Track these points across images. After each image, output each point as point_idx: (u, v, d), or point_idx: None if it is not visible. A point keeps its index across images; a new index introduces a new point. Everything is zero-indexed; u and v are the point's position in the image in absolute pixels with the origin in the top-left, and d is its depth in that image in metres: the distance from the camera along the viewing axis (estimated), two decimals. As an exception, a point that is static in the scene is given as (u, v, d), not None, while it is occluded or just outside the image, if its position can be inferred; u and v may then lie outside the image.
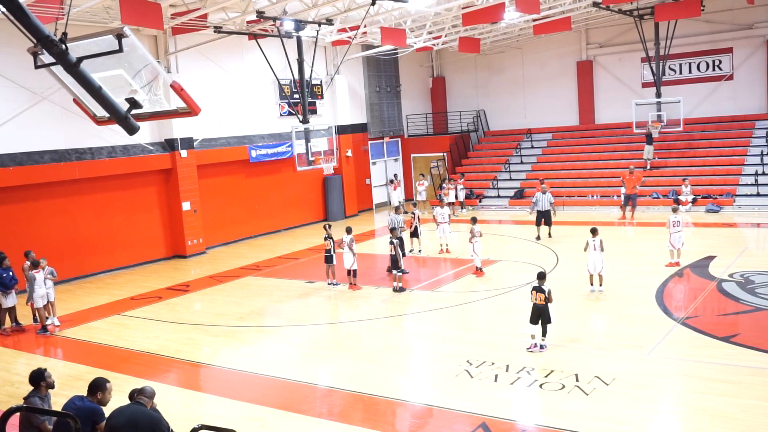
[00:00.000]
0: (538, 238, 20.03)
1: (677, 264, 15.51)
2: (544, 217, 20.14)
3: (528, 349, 10.66)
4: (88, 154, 18.75)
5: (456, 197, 26.32)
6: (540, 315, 10.68)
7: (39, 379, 7.07)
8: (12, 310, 14.06)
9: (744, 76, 26.38)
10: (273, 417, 9.03)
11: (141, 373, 10.92)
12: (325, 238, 16.12)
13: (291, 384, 10.22)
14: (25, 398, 7.04)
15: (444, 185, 26.05)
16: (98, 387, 6.72)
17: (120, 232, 19.71)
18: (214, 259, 20.70)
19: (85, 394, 6.74)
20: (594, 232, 13.93)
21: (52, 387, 7.21)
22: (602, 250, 13.69)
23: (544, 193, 20.61)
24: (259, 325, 13.74)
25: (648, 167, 25.55)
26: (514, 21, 24.06)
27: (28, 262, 14.02)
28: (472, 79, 32.47)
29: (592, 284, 13.90)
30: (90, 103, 5.98)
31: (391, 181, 28.18)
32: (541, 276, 10.88)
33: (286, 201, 25.05)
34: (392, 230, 15.59)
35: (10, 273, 13.98)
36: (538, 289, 10.73)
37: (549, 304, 10.71)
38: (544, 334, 10.75)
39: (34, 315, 14.12)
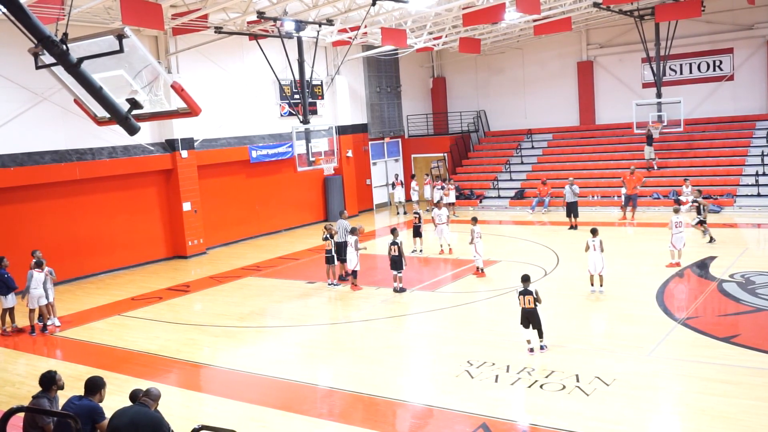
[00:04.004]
0: (572, 227, 21.12)
1: (678, 264, 15.51)
2: (571, 209, 21.28)
3: (529, 350, 10.65)
4: (89, 154, 18.76)
5: (432, 198, 26.55)
6: (530, 318, 10.63)
7: (51, 383, 7.09)
8: (11, 311, 14.06)
9: (744, 76, 26.38)
10: (273, 417, 9.04)
11: (141, 374, 10.92)
12: (325, 238, 16.12)
13: (291, 384, 10.22)
14: (34, 397, 7.06)
15: (444, 185, 26.06)
16: (98, 386, 6.73)
17: (120, 233, 19.72)
18: (215, 260, 20.71)
19: (82, 394, 6.74)
20: (594, 232, 13.93)
21: (61, 389, 7.22)
22: (602, 250, 13.69)
23: (571, 185, 21.31)
24: (259, 325, 13.74)
25: (655, 167, 25.53)
26: (515, 21, 24.06)
27: (34, 261, 14.01)
28: (472, 80, 32.48)
29: (592, 285, 13.90)
30: (90, 104, 5.98)
31: (393, 184, 28.31)
32: (526, 279, 10.82)
33: (287, 201, 25.06)
34: (393, 231, 15.59)
35: (6, 275, 13.94)
36: (525, 293, 10.67)
37: (538, 306, 10.67)
38: (540, 335, 10.73)
39: (39, 315, 14.05)
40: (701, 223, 18.14)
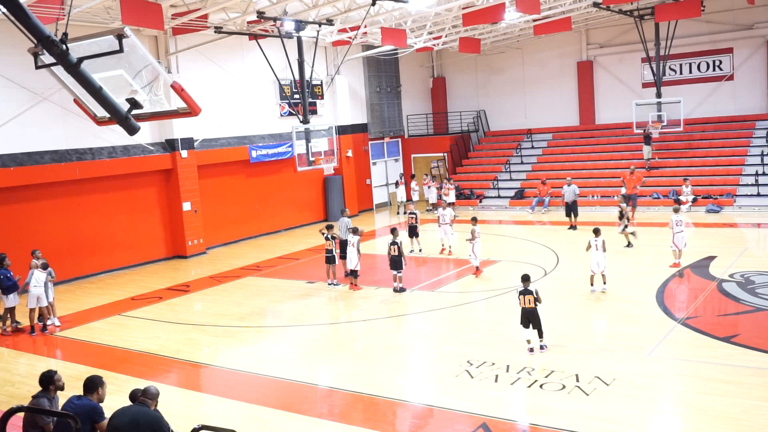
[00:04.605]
0: (571, 227, 21.14)
1: (679, 264, 15.48)
2: (570, 209, 21.37)
3: (529, 350, 10.64)
4: (89, 154, 18.76)
5: (428, 198, 26.71)
6: (530, 318, 10.64)
7: (48, 382, 7.06)
8: (12, 310, 14.06)
9: (744, 76, 26.39)
10: (273, 417, 9.03)
11: (141, 374, 10.92)
12: (326, 238, 16.12)
13: (291, 384, 10.22)
14: (34, 397, 7.04)
15: (444, 185, 26.06)
16: (96, 384, 6.70)
17: (120, 233, 19.72)
18: (215, 260, 20.70)
19: (81, 393, 6.72)
20: (596, 232, 13.91)
21: (61, 389, 7.17)
22: (604, 250, 13.67)
23: (569, 185, 21.44)
24: (259, 325, 13.75)
25: (647, 167, 25.57)
26: (515, 21, 24.06)
27: (39, 262, 13.98)
28: (472, 80, 32.48)
29: (592, 284, 13.88)
30: (90, 104, 5.98)
31: (396, 183, 28.36)
32: (526, 278, 10.82)
33: (287, 201, 25.06)
34: (393, 231, 15.60)
35: (9, 274, 13.96)
36: (525, 292, 10.66)
37: (538, 305, 10.67)
38: (540, 335, 10.73)
39: (39, 315, 14.04)
40: (625, 227, 17.98)
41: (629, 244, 17.78)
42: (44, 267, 13.88)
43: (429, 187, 27.09)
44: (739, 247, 17.66)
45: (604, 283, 13.80)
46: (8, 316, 14.03)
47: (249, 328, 13.46)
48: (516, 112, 31.43)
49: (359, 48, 26.66)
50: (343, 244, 16.29)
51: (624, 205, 18.44)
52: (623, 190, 22.97)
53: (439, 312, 13.66)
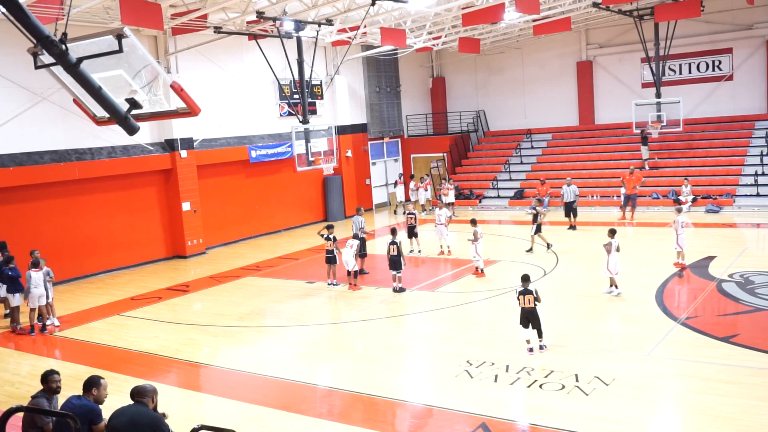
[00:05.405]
0: (571, 227, 21.13)
1: (683, 265, 15.42)
2: (569, 209, 21.39)
3: (528, 350, 10.64)
4: (88, 154, 18.76)
5: (418, 199, 26.85)
6: (530, 318, 10.63)
7: (43, 381, 7.03)
8: (14, 310, 14.06)
9: (744, 76, 26.39)
10: (273, 417, 9.03)
11: (141, 374, 10.91)
12: (327, 239, 16.11)
13: (291, 384, 10.22)
14: (33, 397, 7.01)
15: (442, 185, 26.05)
16: (93, 384, 6.67)
17: (120, 233, 19.72)
18: (214, 260, 20.70)
19: (81, 393, 6.71)
20: (612, 232, 13.83)
21: (55, 392, 7.04)
22: (618, 250, 13.63)
23: (568, 185, 21.50)
24: (259, 325, 13.74)
25: (646, 167, 25.58)
26: (514, 21, 24.06)
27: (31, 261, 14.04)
28: (472, 80, 32.48)
29: (614, 286, 13.66)
30: (90, 104, 5.98)
31: (396, 183, 28.37)
32: (526, 278, 10.80)
33: (286, 201, 25.06)
34: (392, 231, 15.59)
35: (12, 273, 13.98)
36: (524, 292, 10.65)
37: (538, 305, 10.66)
38: (540, 335, 10.73)
39: (38, 315, 14.04)
40: (538, 231, 18.15)
41: (531, 249, 18.20)
42: (35, 264, 13.85)
43: (417, 188, 27.10)
44: (738, 247, 17.67)
45: (615, 285, 13.73)
46: (18, 314, 14.04)
47: (249, 328, 13.46)
48: (515, 112, 31.43)
49: (359, 48, 26.65)
50: (362, 242, 16.38)
51: (540, 208, 18.58)
52: (623, 190, 22.99)
53: (438, 312, 13.66)
